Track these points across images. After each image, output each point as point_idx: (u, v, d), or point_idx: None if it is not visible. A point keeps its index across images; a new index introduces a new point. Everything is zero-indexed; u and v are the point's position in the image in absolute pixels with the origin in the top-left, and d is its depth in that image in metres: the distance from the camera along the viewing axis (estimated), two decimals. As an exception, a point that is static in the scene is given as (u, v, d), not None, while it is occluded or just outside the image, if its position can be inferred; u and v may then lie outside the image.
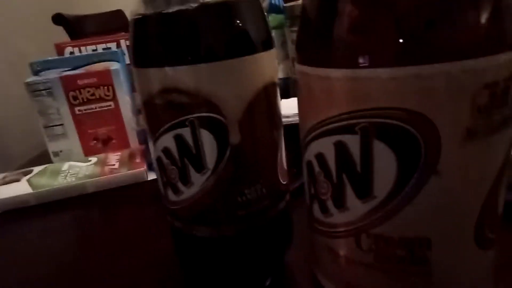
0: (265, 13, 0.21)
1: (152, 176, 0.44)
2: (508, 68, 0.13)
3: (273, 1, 0.71)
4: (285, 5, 0.71)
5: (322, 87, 0.14)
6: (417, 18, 0.12)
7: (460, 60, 0.12)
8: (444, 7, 0.12)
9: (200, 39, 0.18)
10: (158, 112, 0.20)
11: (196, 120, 0.19)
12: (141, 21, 0.19)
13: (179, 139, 0.20)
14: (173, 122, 0.19)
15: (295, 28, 0.56)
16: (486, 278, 0.16)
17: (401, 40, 0.12)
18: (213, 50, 0.18)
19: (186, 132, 0.19)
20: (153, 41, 0.18)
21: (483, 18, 0.12)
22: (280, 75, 0.75)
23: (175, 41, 0.18)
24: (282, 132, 0.23)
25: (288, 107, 0.39)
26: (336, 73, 0.13)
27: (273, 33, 0.74)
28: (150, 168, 0.45)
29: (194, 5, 0.17)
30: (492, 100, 0.13)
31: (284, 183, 0.24)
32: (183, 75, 0.18)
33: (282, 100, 0.47)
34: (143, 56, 0.19)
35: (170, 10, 0.18)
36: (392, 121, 0.13)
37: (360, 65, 0.13)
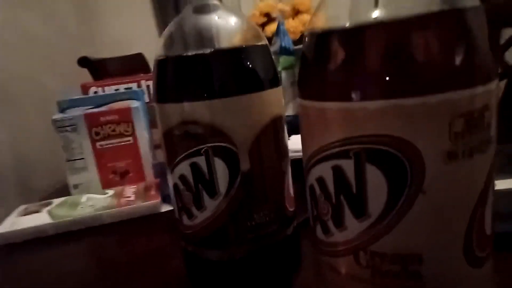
0: (272, 56, 0.23)
1: (166, 208, 0.45)
2: (481, 100, 0.15)
3: (283, 44, 0.75)
4: (295, 47, 0.76)
5: (319, 118, 0.16)
6: (398, 58, 0.14)
7: (437, 93, 0.14)
8: (421, 48, 0.14)
9: (214, 78, 0.21)
10: (176, 142, 0.22)
11: (210, 149, 0.21)
12: (163, 62, 0.21)
13: (194, 166, 0.22)
14: (189, 151, 0.22)
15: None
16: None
17: (385, 78, 0.14)
18: (226, 87, 0.21)
19: (201, 160, 0.21)
20: (173, 80, 0.21)
21: (458, 57, 0.14)
22: (290, 112, 0.78)
23: (192, 80, 0.21)
24: (288, 162, 0.25)
25: (298, 142, 0.41)
26: (330, 105, 0.15)
27: (284, 74, 0.77)
28: (165, 200, 0.47)
29: (209, 50, 0.20)
30: (468, 127, 0.14)
31: (291, 209, 0.25)
32: (199, 109, 0.21)
33: (292, 136, 0.50)
34: (165, 93, 0.22)
35: (189, 53, 0.20)
36: (380, 147, 0.15)
37: (351, 98, 0.15)
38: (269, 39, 0.56)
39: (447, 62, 0.14)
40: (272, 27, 1.09)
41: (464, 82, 0.14)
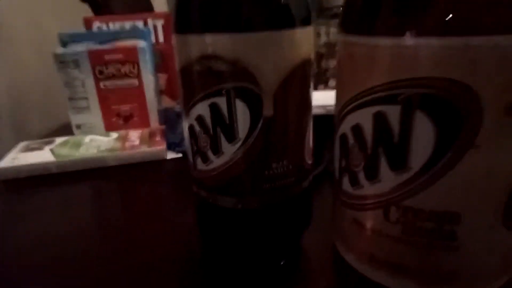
0: None
1: (170, 155, 0.44)
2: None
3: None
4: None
5: (367, 56, 0.14)
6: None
7: (509, 34, 0.12)
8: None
9: (242, 9, 0.18)
10: (195, 79, 0.20)
11: (233, 90, 0.19)
12: (187, -13, 0.19)
13: (214, 107, 0.20)
14: (209, 90, 0.20)
15: (323, 20, 0.56)
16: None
17: (451, 11, 0.12)
18: (254, 20, 0.19)
19: (221, 101, 0.20)
20: (196, 8, 0.19)
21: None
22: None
23: (217, 9, 0.18)
24: (311, 112, 0.23)
25: (316, 98, 0.40)
26: (383, 41, 0.14)
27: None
28: (169, 148, 0.45)
29: (240, -25, 0.18)
30: (537, 77, 0.13)
31: (310, 162, 0.24)
32: (223, 43, 0.19)
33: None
34: (186, 21, 0.19)
35: (217, -22, 0.18)
36: (436, 92, 0.13)
37: (405, 33, 0.13)
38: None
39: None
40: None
41: (540, 24, 0.12)
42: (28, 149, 0.44)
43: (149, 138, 0.46)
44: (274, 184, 0.22)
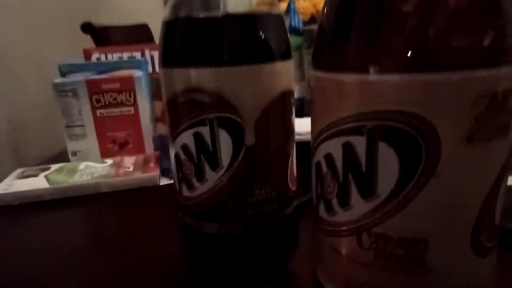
0: (286, 27, 0.22)
1: (164, 181, 0.45)
2: (507, 81, 0.14)
3: (293, 24, 0.73)
4: (304, 28, 0.74)
5: (334, 90, 0.15)
6: (421, 30, 0.13)
7: (463, 70, 0.13)
8: (450, 21, 0.13)
9: (224, 44, 0.20)
10: (180, 110, 0.21)
11: (215, 119, 0.20)
12: (171, 24, 0.20)
13: (198, 136, 0.21)
14: (193, 120, 0.21)
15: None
16: (483, 285, 0.17)
17: (407, 50, 0.13)
18: (236, 55, 0.20)
19: (205, 130, 0.21)
20: (180, 43, 0.20)
21: (486, 33, 0.13)
22: (295, 95, 0.77)
23: (201, 44, 0.20)
24: (294, 139, 0.24)
25: (302, 125, 0.40)
26: (348, 77, 0.15)
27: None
28: (163, 174, 0.46)
29: (221, 13, 0.19)
30: (490, 109, 0.14)
31: (293, 189, 0.25)
32: (206, 76, 0.20)
33: (296, 119, 0.49)
34: (171, 57, 0.21)
35: (199, 16, 0.19)
36: (397, 124, 0.14)
37: (369, 71, 0.14)
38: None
39: (474, 38, 0.13)
40: (283, 6, 1.06)
41: (491, 61, 0.13)
42: (24, 176, 0.45)
43: (143, 165, 0.47)
44: (257, 210, 0.23)
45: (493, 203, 0.16)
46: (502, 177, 0.15)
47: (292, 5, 0.70)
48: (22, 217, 0.38)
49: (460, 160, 0.14)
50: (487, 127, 0.14)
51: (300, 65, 0.78)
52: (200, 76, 0.20)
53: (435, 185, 0.14)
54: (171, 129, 0.22)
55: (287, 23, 0.72)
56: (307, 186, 0.36)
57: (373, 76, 0.14)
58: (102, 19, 0.97)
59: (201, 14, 0.19)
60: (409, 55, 0.13)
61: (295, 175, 0.25)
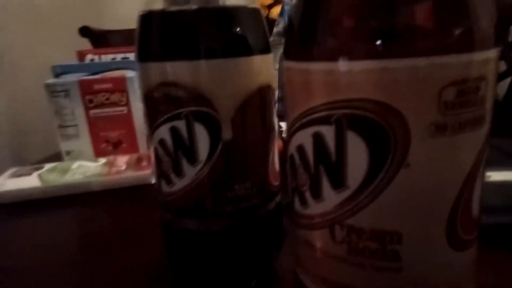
0: (275, 37, 0.22)
1: (156, 180, 0.45)
2: (477, 68, 0.13)
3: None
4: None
5: (302, 80, 0.15)
6: (385, 15, 0.13)
7: (427, 56, 0.13)
8: (414, 4, 0.13)
9: (199, 38, 0.19)
10: (156, 104, 0.21)
11: (191, 114, 0.20)
12: (146, 17, 0.20)
13: (174, 131, 0.21)
14: (169, 114, 0.21)
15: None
16: (462, 280, 0.16)
17: (371, 36, 0.13)
18: (211, 48, 0.20)
19: (181, 124, 0.20)
20: (155, 36, 0.20)
21: (453, 16, 0.13)
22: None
23: (176, 38, 0.19)
24: (275, 134, 0.24)
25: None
26: (314, 66, 0.14)
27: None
28: (156, 173, 0.46)
29: (196, 6, 0.19)
30: (459, 97, 0.13)
31: (275, 185, 0.24)
32: (180, 70, 0.19)
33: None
34: (146, 50, 0.21)
35: (174, 9, 0.19)
36: (363, 113, 0.14)
37: (334, 58, 0.14)
38: (274, 21, 0.54)
39: (440, 22, 0.13)
40: (278, 9, 1.06)
41: (458, 46, 0.13)
42: (17, 175, 0.45)
43: (136, 163, 0.47)
44: (237, 206, 0.22)
45: (468, 195, 0.15)
46: (477, 169, 0.15)
47: (285, 8, 0.70)
48: (14, 216, 0.38)
49: (431, 150, 0.14)
50: (457, 118, 0.13)
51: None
52: (175, 70, 0.20)
53: (406, 176, 0.14)
54: (148, 124, 0.22)
55: (281, 26, 0.71)
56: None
57: (339, 63, 0.14)
58: (102, 25, 0.98)
59: (176, 7, 0.19)
60: (374, 41, 0.13)
61: (278, 170, 0.24)
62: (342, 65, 0.14)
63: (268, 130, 0.23)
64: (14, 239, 0.34)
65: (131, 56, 0.55)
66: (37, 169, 0.47)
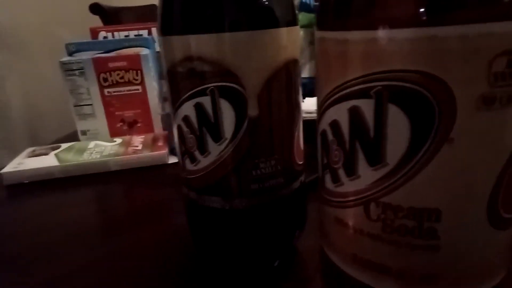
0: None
1: (173, 160, 0.45)
2: (530, 37, 0.12)
3: (303, 0, 0.71)
4: (316, 4, 0.72)
5: (339, 51, 0.14)
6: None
7: (478, 23, 0.12)
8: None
9: (224, 9, 0.19)
10: (180, 80, 0.20)
11: (216, 89, 0.20)
12: (170, -11, 0.19)
13: (199, 107, 0.20)
14: (194, 90, 0.20)
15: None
16: (500, 260, 0.16)
17: (416, 1, 0.12)
18: (237, 20, 0.19)
19: (206, 100, 0.20)
20: (179, 9, 0.19)
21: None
22: (306, 74, 0.75)
23: (200, 10, 0.19)
24: (300, 111, 0.23)
25: (312, 104, 0.40)
26: (353, 35, 0.13)
27: (302, 32, 0.73)
28: (172, 152, 0.46)
29: (221, -24, 0.18)
30: (511, 69, 0.12)
31: (300, 163, 0.24)
32: (206, 44, 0.19)
33: (307, 98, 0.48)
34: (169, 23, 0.20)
35: (198, -20, 0.18)
36: (407, 84, 0.13)
37: (376, 26, 0.13)
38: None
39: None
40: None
41: (511, 13, 0.12)
42: (34, 154, 0.45)
43: (152, 143, 0.47)
44: (262, 185, 0.22)
45: (512, 172, 0.14)
46: (523, 144, 0.14)
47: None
48: (32, 194, 0.39)
49: (476, 124, 0.13)
50: (507, 89, 0.13)
51: (311, 42, 0.76)
52: (200, 44, 0.19)
53: (449, 152, 0.13)
54: (172, 100, 0.22)
55: (298, 0, 0.69)
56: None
57: (380, 32, 0.13)
58: (112, 2, 0.96)
59: (200, -24, 0.18)
60: (421, 7, 0.12)
61: (302, 148, 0.24)
62: (385, 33, 0.13)
63: (293, 106, 0.22)
64: (33, 217, 0.34)
65: (145, 33, 0.55)
66: (54, 148, 0.47)
